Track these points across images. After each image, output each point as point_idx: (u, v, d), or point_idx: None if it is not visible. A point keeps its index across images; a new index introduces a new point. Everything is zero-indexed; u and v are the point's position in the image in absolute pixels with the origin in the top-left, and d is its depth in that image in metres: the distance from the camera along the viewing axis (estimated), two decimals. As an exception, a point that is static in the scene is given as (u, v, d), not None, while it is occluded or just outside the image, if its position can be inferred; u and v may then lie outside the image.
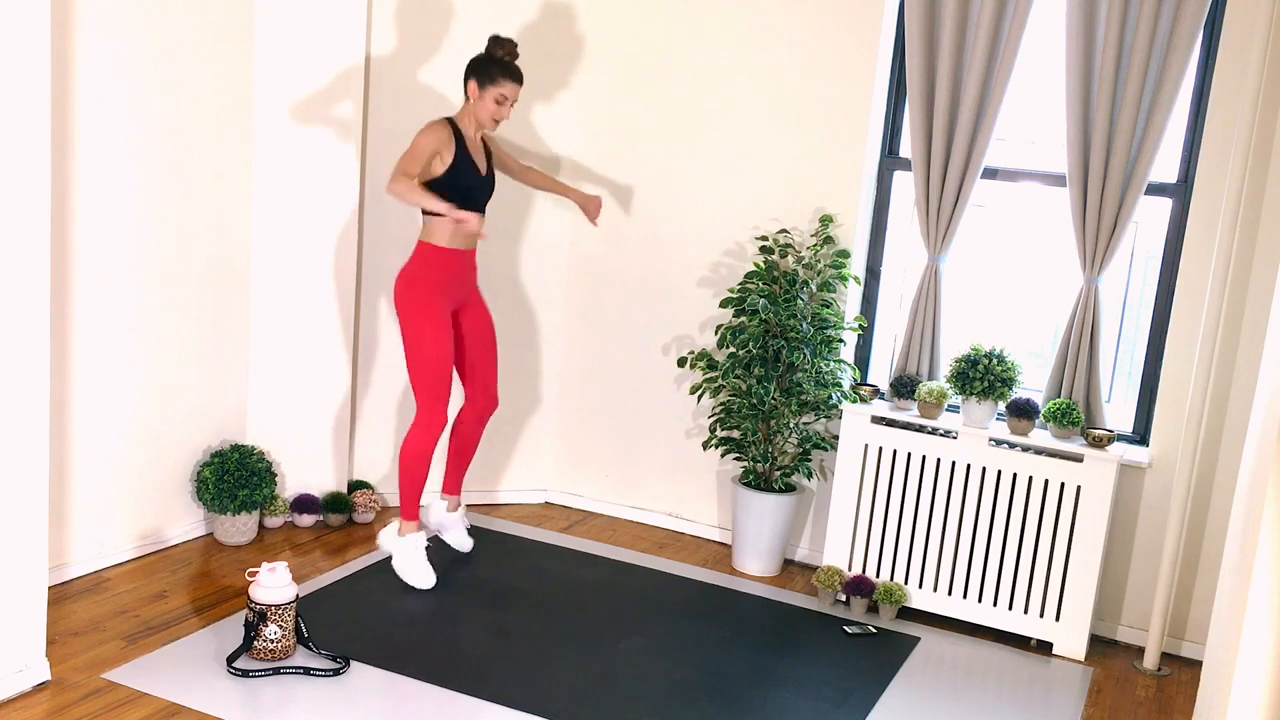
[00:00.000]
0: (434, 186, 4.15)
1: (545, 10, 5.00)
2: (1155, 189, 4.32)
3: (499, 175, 4.49)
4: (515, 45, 4.23)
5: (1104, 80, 4.18)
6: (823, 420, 4.83)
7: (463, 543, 4.67)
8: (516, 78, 4.21)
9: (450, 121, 4.22)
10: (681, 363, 4.82)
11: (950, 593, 4.46)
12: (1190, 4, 4.04)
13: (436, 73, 4.90)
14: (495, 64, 4.18)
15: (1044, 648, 4.36)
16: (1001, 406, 4.45)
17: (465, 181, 4.20)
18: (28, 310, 3.28)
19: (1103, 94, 4.19)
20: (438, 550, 4.61)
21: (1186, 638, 4.38)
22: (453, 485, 4.66)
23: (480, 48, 4.30)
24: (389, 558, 4.48)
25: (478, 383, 4.52)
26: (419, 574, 4.34)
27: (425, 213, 4.20)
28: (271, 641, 3.67)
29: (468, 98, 4.22)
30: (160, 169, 4.27)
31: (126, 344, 4.24)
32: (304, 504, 4.85)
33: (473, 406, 4.55)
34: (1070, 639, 4.30)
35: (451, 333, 4.29)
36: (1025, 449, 4.35)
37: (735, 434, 4.81)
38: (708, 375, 4.75)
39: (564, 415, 5.36)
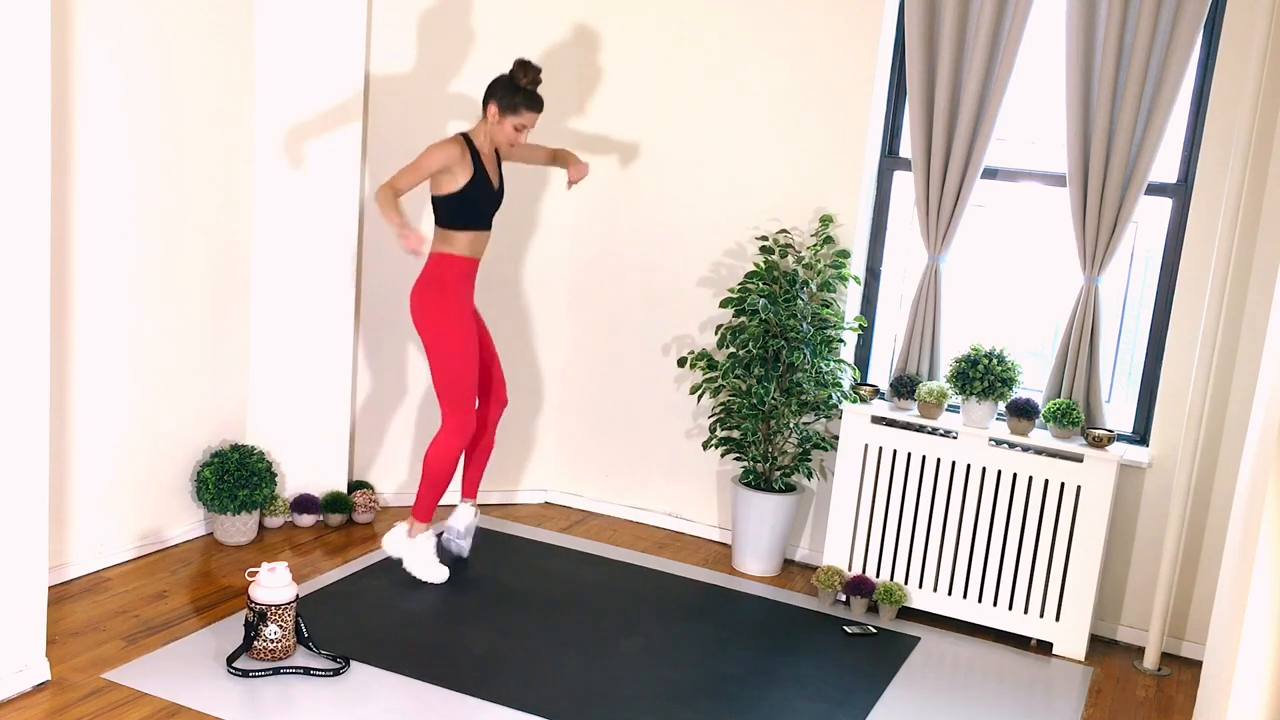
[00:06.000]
0: (450, 201, 4.18)
1: (545, 11, 5.00)
2: (1155, 189, 4.32)
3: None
4: (539, 72, 4.17)
5: (1104, 80, 4.18)
6: (823, 420, 4.83)
7: (464, 548, 4.68)
8: (538, 107, 4.19)
9: (465, 138, 4.21)
10: (681, 363, 4.82)
11: (950, 593, 4.46)
12: (1190, 4, 4.04)
13: (437, 73, 4.89)
14: (519, 92, 4.14)
15: (1044, 648, 4.36)
16: (1001, 406, 4.45)
17: (479, 195, 4.22)
18: (27, 310, 3.28)
19: (1103, 94, 4.19)
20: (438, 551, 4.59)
21: (1186, 638, 4.38)
22: (470, 488, 4.67)
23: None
24: (389, 558, 4.49)
25: (492, 386, 4.55)
26: (433, 570, 4.40)
27: (440, 225, 4.23)
28: (271, 641, 3.67)
29: (486, 117, 4.21)
30: (160, 169, 4.27)
31: (127, 344, 4.24)
32: (304, 504, 4.85)
33: (485, 410, 4.56)
34: (1070, 639, 4.30)
35: (476, 341, 4.33)
36: (1025, 449, 4.34)
37: (735, 434, 4.81)
38: (708, 375, 4.75)
39: (564, 415, 5.35)
